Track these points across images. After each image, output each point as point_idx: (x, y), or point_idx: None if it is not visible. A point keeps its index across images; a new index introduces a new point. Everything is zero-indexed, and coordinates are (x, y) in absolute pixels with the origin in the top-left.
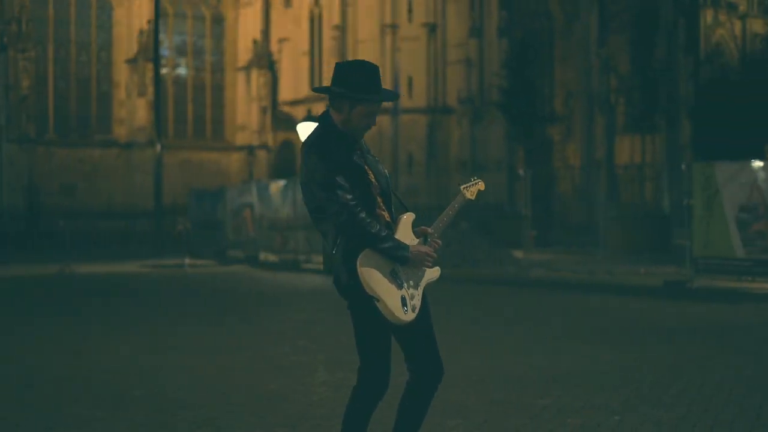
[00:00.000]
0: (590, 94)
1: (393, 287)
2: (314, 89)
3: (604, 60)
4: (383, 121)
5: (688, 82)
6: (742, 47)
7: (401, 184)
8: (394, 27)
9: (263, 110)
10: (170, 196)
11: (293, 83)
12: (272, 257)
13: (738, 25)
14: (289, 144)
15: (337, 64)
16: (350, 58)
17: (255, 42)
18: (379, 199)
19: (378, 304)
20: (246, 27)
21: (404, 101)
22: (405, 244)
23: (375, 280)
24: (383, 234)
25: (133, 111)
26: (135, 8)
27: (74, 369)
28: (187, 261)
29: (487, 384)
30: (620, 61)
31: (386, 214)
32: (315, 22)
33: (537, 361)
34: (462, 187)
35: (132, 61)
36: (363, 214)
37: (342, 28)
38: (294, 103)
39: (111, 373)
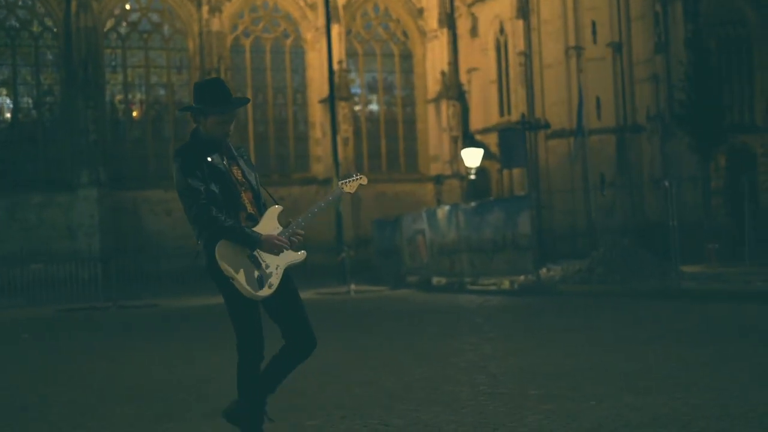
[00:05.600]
0: None
1: (249, 268)
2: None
3: None
4: (572, 142)
5: None
6: None
7: (593, 204)
8: (578, 49)
9: (454, 140)
10: (367, 227)
11: (483, 111)
12: (443, 280)
13: None
14: (482, 171)
15: (195, 84)
16: (537, 83)
17: (443, 74)
18: (245, 195)
19: (234, 283)
20: (434, 60)
21: (592, 122)
22: (253, 234)
23: (230, 262)
24: (227, 224)
25: (328, 148)
26: (326, 51)
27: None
28: (352, 287)
29: (498, 378)
30: None
31: (250, 207)
32: (501, 49)
33: (577, 360)
34: (340, 182)
35: (325, 101)
36: (213, 211)
37: (527, 54)
38: (485, 131)
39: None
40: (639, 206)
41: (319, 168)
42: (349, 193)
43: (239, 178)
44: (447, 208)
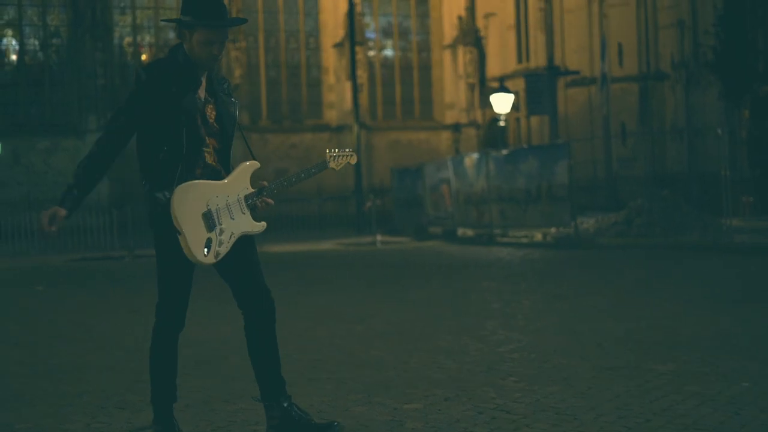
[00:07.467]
0: None
1: (201, 226)
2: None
3: None
4: (592, 91)
5: None
6: None
7: (614, 155)
8: None
9: (471, 87)
10: (381, 176)
11: (500, 58)
12: (469, 232)
13: None
14: (497, 120)
15: None
16: (557, 29)
17: (460, 19)
18: (210, 140)
19: (180, 238)
20: (450, 4)
21: (614, 69)
22: (69, 193)
23: (183, 214)
24: (88, 170)
25: (342, 95)
26: None
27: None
28: (378, 238)
29: (604, 347)
30: None
31: (210, 158)
32: None
33: (681, 324)
34: (328, 154)
35: (339, 45)
36: (108, 144)
37: None
38: (502, 78)
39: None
40: (660, 157)
41: (332, 115)
42: (334, 169)
43: (211, 120)
44: (475, 155)
